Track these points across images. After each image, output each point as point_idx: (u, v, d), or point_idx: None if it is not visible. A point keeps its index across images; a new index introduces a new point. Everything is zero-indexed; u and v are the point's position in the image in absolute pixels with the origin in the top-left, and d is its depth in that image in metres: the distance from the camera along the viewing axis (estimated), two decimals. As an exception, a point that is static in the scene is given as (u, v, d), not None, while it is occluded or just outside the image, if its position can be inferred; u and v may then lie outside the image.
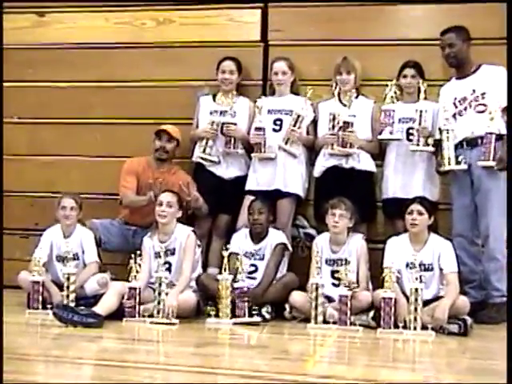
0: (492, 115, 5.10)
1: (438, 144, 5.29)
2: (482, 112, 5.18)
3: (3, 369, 3.32)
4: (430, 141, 5.29)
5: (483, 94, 5.19)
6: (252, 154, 5.66)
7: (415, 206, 5.06)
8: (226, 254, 5.04)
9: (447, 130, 5.22)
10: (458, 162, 5.19)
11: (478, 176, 5.17)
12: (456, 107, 5.27)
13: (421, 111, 5.33)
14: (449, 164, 5.21)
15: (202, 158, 5.73)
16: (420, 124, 5.32)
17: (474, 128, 5.20)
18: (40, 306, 5.07)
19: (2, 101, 6.25)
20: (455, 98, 5.28)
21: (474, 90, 5.23)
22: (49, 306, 5.02)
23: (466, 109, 5.25)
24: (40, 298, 5.09)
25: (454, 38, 5.26)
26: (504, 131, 5.13)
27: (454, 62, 5.32)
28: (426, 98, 5.46)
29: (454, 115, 5.26)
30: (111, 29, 6.24)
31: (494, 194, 5.17)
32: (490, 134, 5.09)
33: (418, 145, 5.34)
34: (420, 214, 5.04)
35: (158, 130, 5.71)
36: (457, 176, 5.28)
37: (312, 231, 5.63)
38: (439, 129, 5.29)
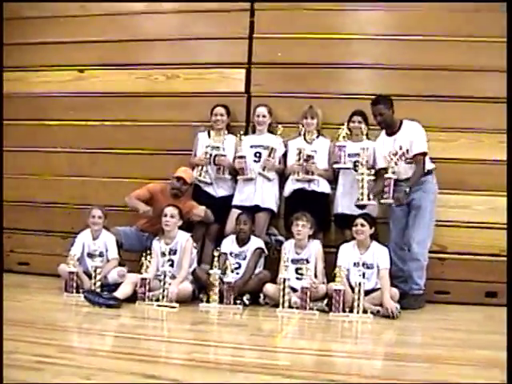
0: (393, 169, 5.20)
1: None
2: (409, 163, 5.25)
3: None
4: (371, 171, 5.30)
5: (407, 150, 5.25)
6: (237, 177, 5.68)
7: (360, 220, 5.11)
8: (216, 253, 5.06)
9: (361, 174, 5.23)
10: (369, 199, 5.20)
11: (413, 199, 5.24)
12: (391, 159, 5.27)
13: (363, 149, 5.37)
14: (362, 200, 5.21)
15: (198, 180, 5.75)
16: (363, 159, 5.34)
17: (406, 173, 5.28)
18: (74, 291, 5.08)
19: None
20: (390, 152, 5.30)
21: (400, 147, 5.27)
22: (81, 291, 5.03)
23: (398, 160, 5.28)
24: (74, 285, 5.10)
25: (383, 109, 5.22)
26: (403, 176, 5.23)
27: (384, 126, 5.33)
28: (368, 139, 5.54)
29: (395, 163, 5.27)
30: (132, 82, 6.24)
31: (421, 211, 5.22)
32: (390, 179, 5.17)
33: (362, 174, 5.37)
34: (363, 225, 5.09)
35: (177, 176, 5.57)
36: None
37: (281, 238, 5.60)
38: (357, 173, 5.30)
